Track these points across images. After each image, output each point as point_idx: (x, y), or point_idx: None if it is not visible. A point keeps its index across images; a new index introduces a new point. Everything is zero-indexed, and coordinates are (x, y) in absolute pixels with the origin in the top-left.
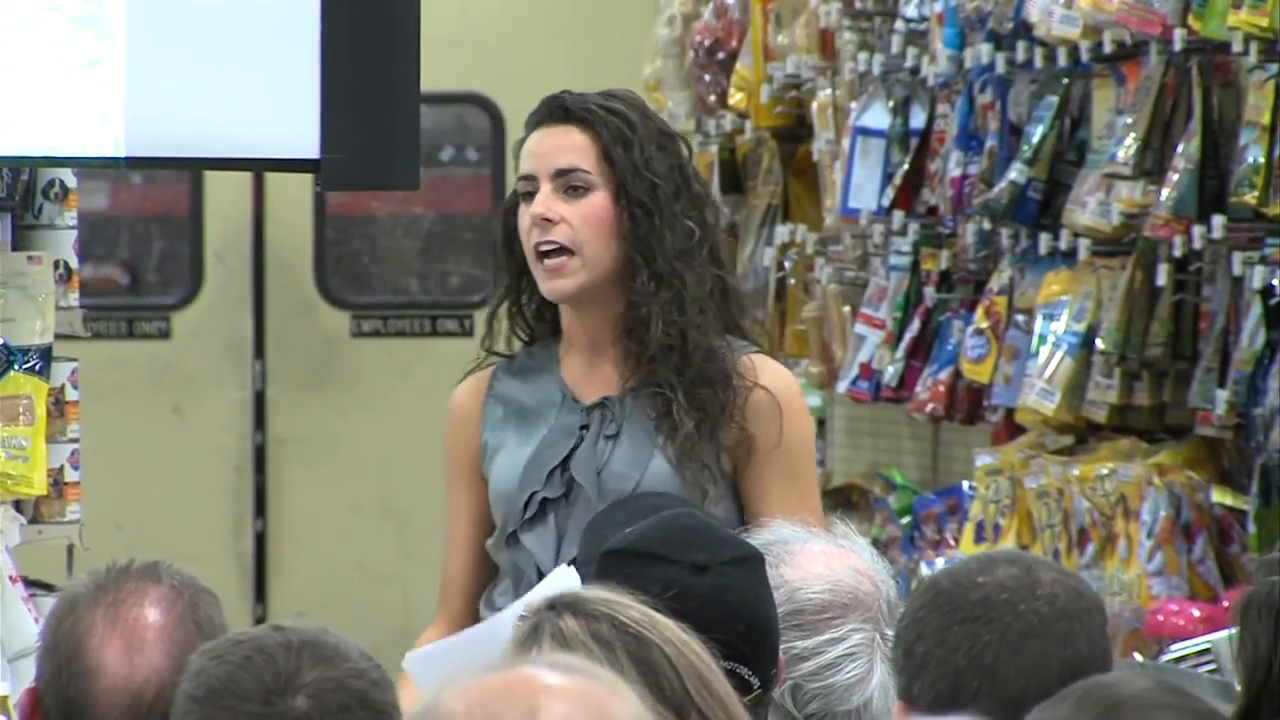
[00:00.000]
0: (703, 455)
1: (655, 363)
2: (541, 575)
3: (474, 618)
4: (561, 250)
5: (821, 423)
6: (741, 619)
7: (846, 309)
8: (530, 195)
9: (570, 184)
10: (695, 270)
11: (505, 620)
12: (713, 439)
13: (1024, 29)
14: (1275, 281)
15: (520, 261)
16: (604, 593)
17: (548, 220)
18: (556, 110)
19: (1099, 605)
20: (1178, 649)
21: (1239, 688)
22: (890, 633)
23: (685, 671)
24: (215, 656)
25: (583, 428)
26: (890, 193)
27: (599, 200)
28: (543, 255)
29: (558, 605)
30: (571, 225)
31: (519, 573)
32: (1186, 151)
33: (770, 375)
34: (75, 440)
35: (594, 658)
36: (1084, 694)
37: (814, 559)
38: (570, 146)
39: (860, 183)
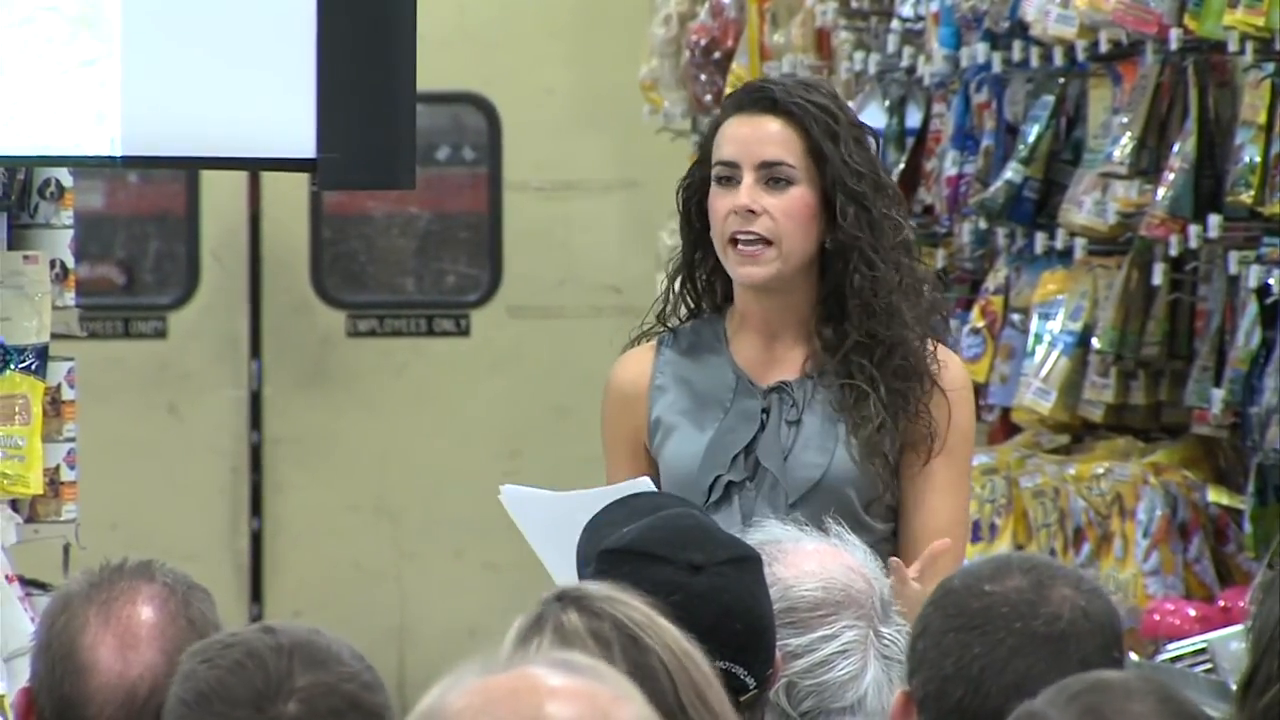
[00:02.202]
0: (886, 449)
1: (852, 354)
2: None
3: None
4: (760, 240)
5: None
6: (737, 619)
7: None
8: (726, 180)
9: (774, 176)
10: (903, 264)
11: (604, 493)
12: (896, 434)
13: (1020, 28)
14: (1271, 280)
15: (697, 236)
16: (612, 591)
17: (751, 212)
18: (763, 100)
19: (1107, 626)
20: (1174, 648)
21: (1242, 670)
22: (885, 630)
23: (681, 681)
24: (205, 659)
25: (763, 411)
26: None
27: (801, 194)
28: (738, 242)
29: (565, 598)
30: (774, 218)
31: None
32: (1182, 151)
33: (950, 366)
34: (72, 440)
35: (591, 656)
36: (1064, 684)
37: (807, 557)
38: (776, 139)
39: None
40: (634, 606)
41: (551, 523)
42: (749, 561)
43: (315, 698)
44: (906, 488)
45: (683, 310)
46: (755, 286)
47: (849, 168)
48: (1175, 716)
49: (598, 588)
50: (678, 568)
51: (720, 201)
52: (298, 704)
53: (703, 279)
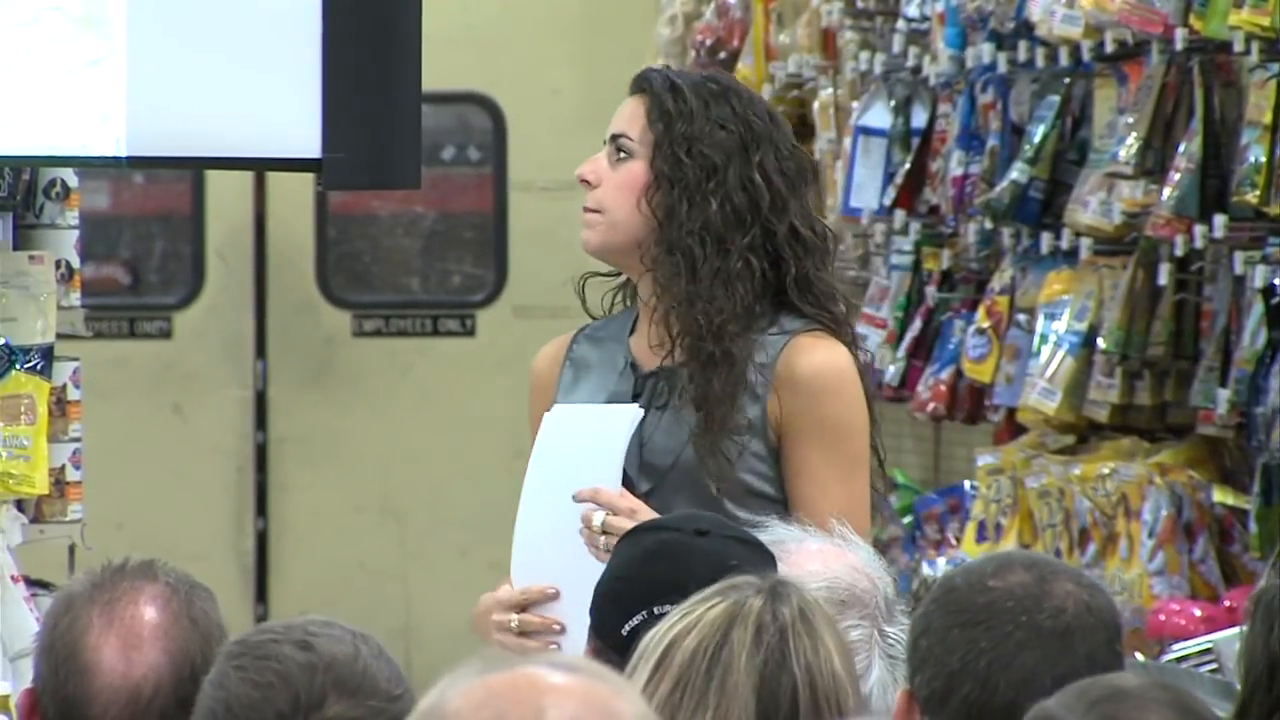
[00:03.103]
0: (716, 440)
1: (686, 333)
2: None
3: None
4: (593, 210)
5: None
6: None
7: None
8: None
9: (620, 151)
10: (724, 249)
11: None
12: (725, 424)
13: (1026, 28)
14: (1276, 280)
15: None
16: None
17: (586, 182)
18: (636, 80)
19: (1109, 621)
20: (1179, 649)
21: (1239, 686)
22: (889, 629)
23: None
24: (240, 666)
25: (635, 396)
26: (892, 192)
27: (634, 167)
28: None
29: (776, 590)
30: (605, 189)
31: None
32: (1188, 151)
33: (808, 355)
34: (77, 440)
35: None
36: (1082, 689)
37: (810, 557)
38: (626, 114)
39: (862, 182)
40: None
41: (566, 437)
42: (758, 549)
43: None
44: (784, 472)
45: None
46: (591, 253)
47: (671, 147)
48: None
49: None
50: (683, 533)
51: None
52: None
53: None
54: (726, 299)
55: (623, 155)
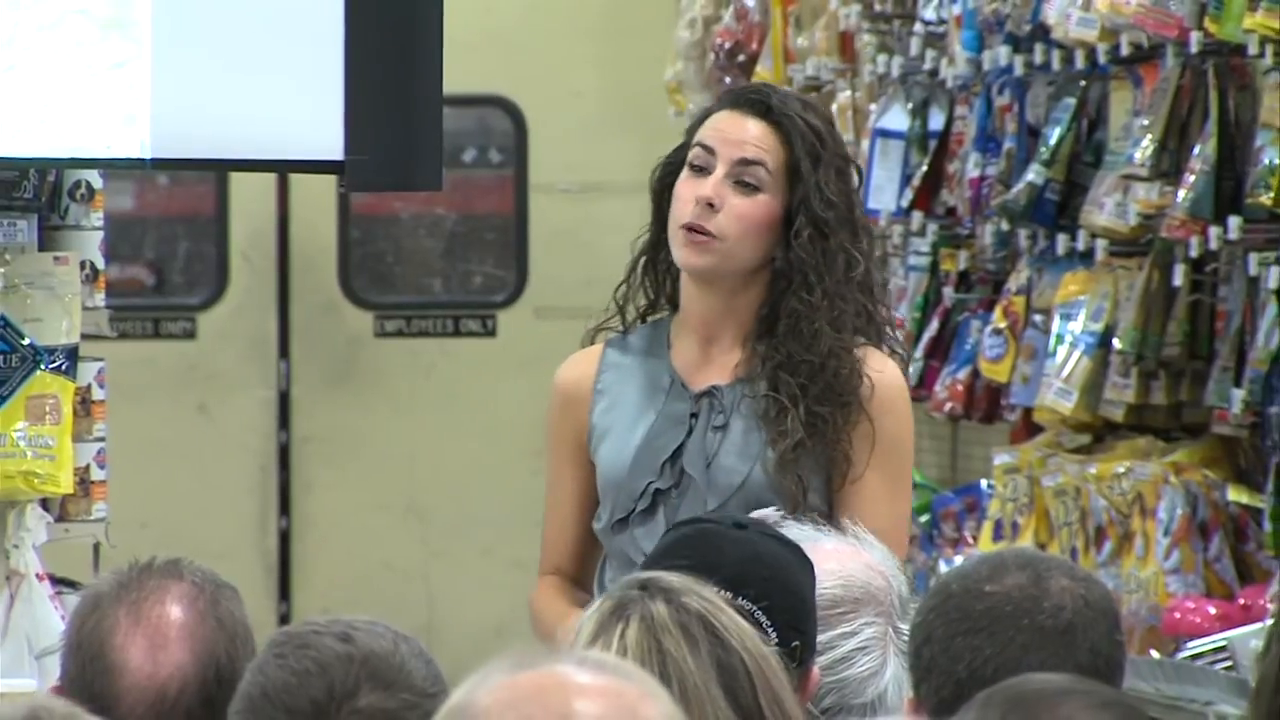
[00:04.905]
0: (802, 468)
1: (782, 370)
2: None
3: (584, 585)
4: (709, 234)
5: None
6: (765, 566)
7: None
8: (699, 169)
9: (745, 177)
10: (852, 297)
11: None
12: (815, 455)
13: (1041, 31)
14: None
15: (666, 220)
16: (698, 587)
17: (711, 206)
18: (757, 103)
19: (1108, 611)
20: (1194, 646)
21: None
22: (903, 626)
23: (760, 685)
24: (280, 655)
25: (692, 415)
26: (909, 194)
27: (765, 203)
28: (689, 229)
29: (651, 588)
30: (729, 217)
31: (627, 560)
32: (1203, 153)
33: (875, 369)
34: (102, 439)
35: (678, 648)
36: (990, 695)
37: (825, 556)
38: (759, 142)
39: (880, 184)
40: (721, 609)
41: None
42: (795, 549)
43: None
44: (837, 496)
45: (641, 299)
46: (692, 273)
47: (820, 193)
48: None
49: (679, 579)
50: (721, 524)
51: (686, 187)
52: None
53: (663, 265)
54: (836, 339)
55: (750, 183)
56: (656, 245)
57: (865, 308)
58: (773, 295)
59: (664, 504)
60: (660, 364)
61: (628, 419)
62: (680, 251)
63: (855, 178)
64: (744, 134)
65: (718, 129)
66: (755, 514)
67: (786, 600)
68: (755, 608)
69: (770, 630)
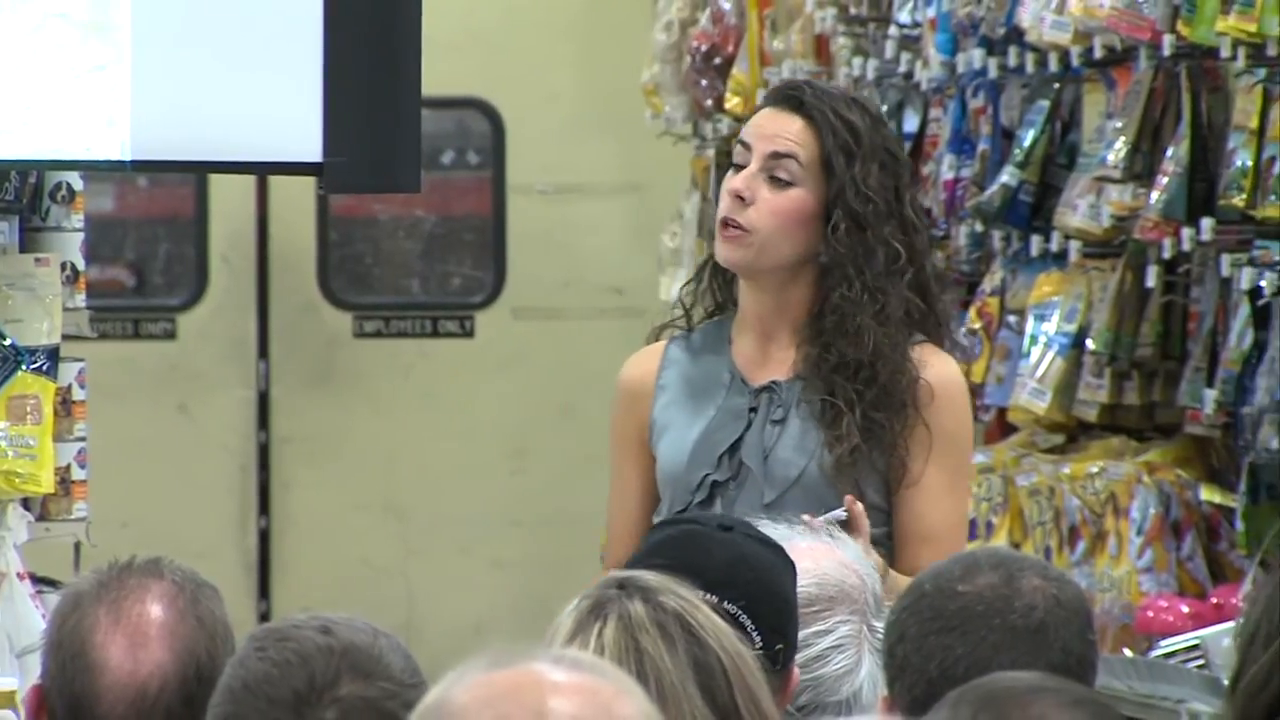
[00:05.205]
0: (859, 471)
1: (836, 372)
2: None
3: None
4: (741, 228)
5: None
6: (750, 570)
7: None
8: (739, 166)
9: (777, 171)
10: (897, 292)
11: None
12: (872, 459)
13: (1015, 34)
14: (1263, 283)
15: None
16: (675, 586)
17: (741, 198)
18: (792, 99)
19: (1080, 610)
20: (1167, 645)
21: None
22: (878, 624)
23: (737, 683)
24: (260, 648)
25: (751, 410)
26: None
27: (798, 196)
28: (723, 223)
29: (628, 587)
30: (761, 211)
31: None
32: (1176, 155)
33: (926, 369)
34: (82, 439)
35: (655, 647)
36: (962, 693)
37: (800, 554)
38: (792, 136)
39: None
40: (698, 607)
41: None
42: (780, 552)
43: (354, 709)
44: (896, 498)
45: (708, 299)
46: (731, 267)
47: (856, 187)
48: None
49: (656, 579)
50: (706, 526)
51: (726, 184)
52: (336, 712)
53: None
54: (881, 335)
55: (783, 178)
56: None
57: (917, 302)
58: (822, 292)
59: (721, 496)
60: (721, 360)
61: (688, 414)
62: (718, 248)
63: (905, 172)
64: (777, 128)
65: (755, 125)
66: (826, 516)
67: (771, 604)
68: (740, 611)
69: (754, 634)
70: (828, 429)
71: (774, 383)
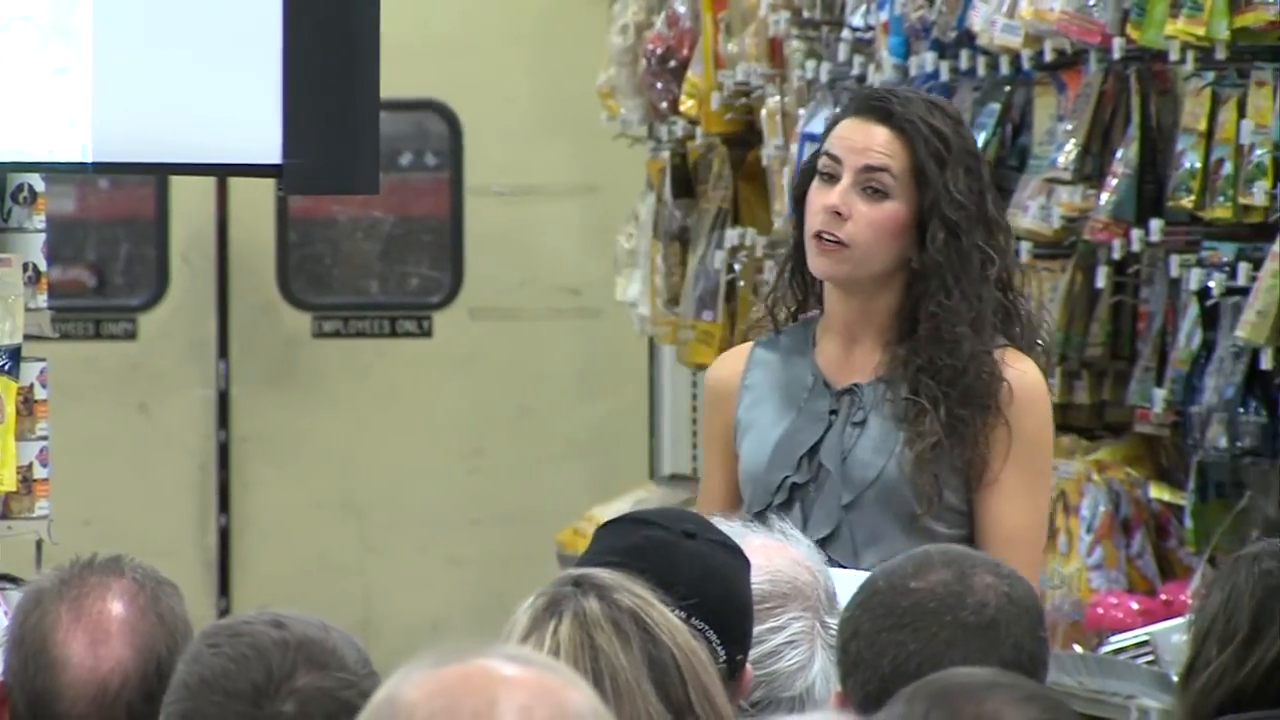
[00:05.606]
0: (939, 468)
1: (923, 373)
2: None
3: None
4: (839, 242)
5: None
6: (718, 584)
7: None
8: (828, 177)
9: (871, 184)
10: (984, 298)
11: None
12: (953, 456)
13: (967, 38)
14: (1211, 283)
15: (804, 225)
16: (630, 583)
17: (838, 214)
18: (880, 109)
19: (1031, 608)
20: (1116, 641)
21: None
22: (831, 621)
23: (691, 680)
24: (213, 644)
25: (832, 412)
26: None
27: (893, 208)
28: (819, 236)
29: (584, 584)
30: (859, 225)
31: None
32: (1125, 157)
33: (1012, 370)
34: (44, 438)
35: (610, 644)
36: (916, 688)
37: (753, 551)
38: (883, 148)
39: None
40: (653, 605)
41: None
42: (739, 555)
43: (312, 700)
44: (975, 497)
45: (790, 300)
46: (828, 280)
47: (949, 194)
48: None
49: (612, 576)
50: (670, 532)
51: (816, 196)
52: (294, 704)
53: (807, 270)
54: (977, 341)
55: (876, 190)
56: (799, 250)
57: (1004, 305)
58: (911, 297)
59: (800, 498)
60: (805, 363)
61: (770, 415)
62: (815, 260)
63: (986, 173)
64: (869, 141)
65: (843, 137)
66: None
67: (738, 620)
68: (707, 627)
69: (720, 649)
70: (910, 425)
71: (855, 385)
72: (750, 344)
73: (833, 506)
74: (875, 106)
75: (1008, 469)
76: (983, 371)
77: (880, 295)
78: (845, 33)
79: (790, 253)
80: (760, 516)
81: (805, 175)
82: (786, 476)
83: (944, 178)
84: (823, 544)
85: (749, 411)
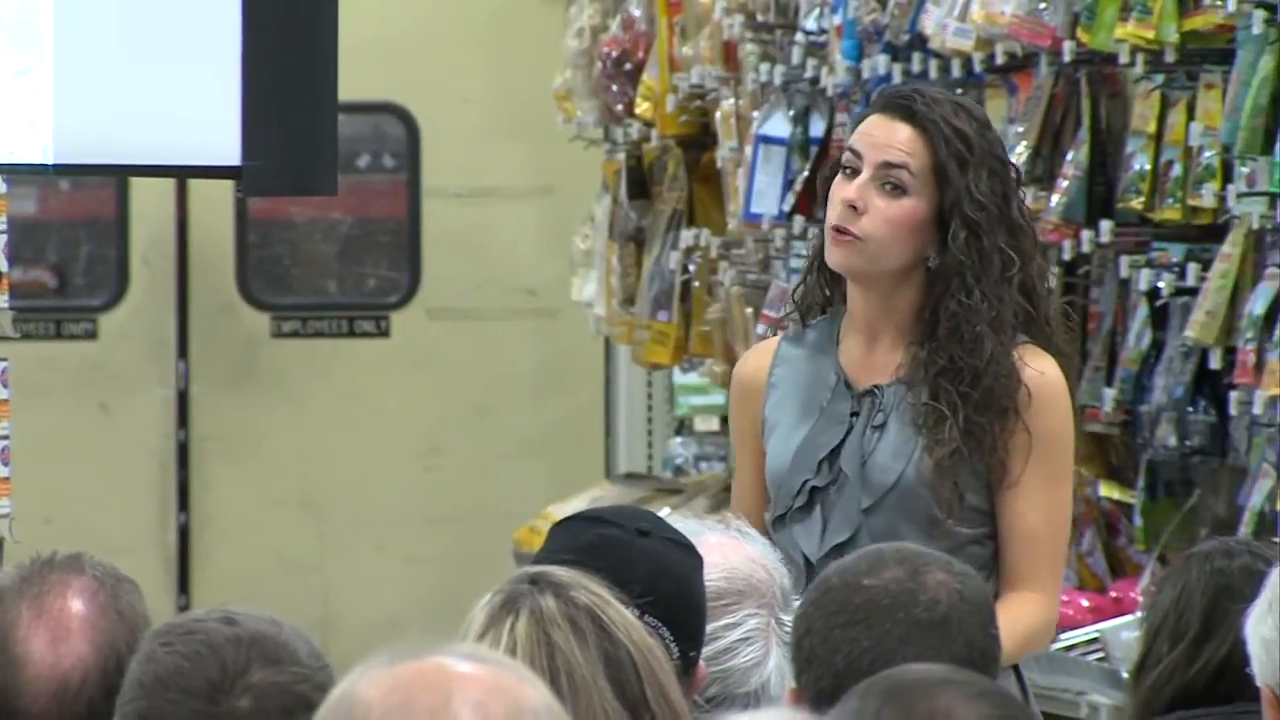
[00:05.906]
0: (958, 474)
1: (941, 376)
2: (809, 563)
3: None
4: (855, 235)
5: (724, 419)
6: (672, 581)
7: (749, 310)
8: (850, 171)
9: (891, 180)
10: (1010, 297)
11: None
12: (972, 462)
13: (919, 41)
14: (1160, 284)
15: None
16: (586, 581)
17: (854, 208)
18: (903, 107)
19: (983, 606)
20: (1067, 638)
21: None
22: (786, 618)
23: (647, 677)
24: (166, 643)
25: (853, 414)
26: (791, 199)
27: (911, 206)
28: (835, 229)
29: (540, 582)
30: (875, 220)
31: (788, 556)
32: (1076, 159)
33: (1026, 370)
34: (5, 437)
35: (566, 641)
36: (870, 685)
37: (709, 549)
38: (904, 145)
39: (762, 189)
40: (609, 603)
41: None
42: (693, 552)
43: (268, 695)
44: (997, 499)
45: (817, 295)
46: (841, 270)
47: (970, 195)
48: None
49: (569, 574)
50: (625, 530)
51: (836, 190)
52: (250, 699)
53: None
54: (996, 341)
55: (895, 186)
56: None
57: (1024, 304)
58: (931, 296)
59: (821, 501)
60: (828, 361)
61: (794, 415)
62: (830, 252)
63: (1014, 176)
64: (890, 137)
65: (866, 133)
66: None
67: (690, 616)
68: (660, 624)
69: (673, 645)
70: (929, 432)
71: (876, 387)
72: (777, 339)
73: (852, 511)
74: (900, 105)
75: (1028, 470)
76: (1002, 373)
77: (899, 292)
78: (799, 36)
79: (818, 249)
80: (781, 520)
81: (833, 170)
82: (807, 480)
83: (966, 178)
84: (842, 548)
85: (775, 409)
